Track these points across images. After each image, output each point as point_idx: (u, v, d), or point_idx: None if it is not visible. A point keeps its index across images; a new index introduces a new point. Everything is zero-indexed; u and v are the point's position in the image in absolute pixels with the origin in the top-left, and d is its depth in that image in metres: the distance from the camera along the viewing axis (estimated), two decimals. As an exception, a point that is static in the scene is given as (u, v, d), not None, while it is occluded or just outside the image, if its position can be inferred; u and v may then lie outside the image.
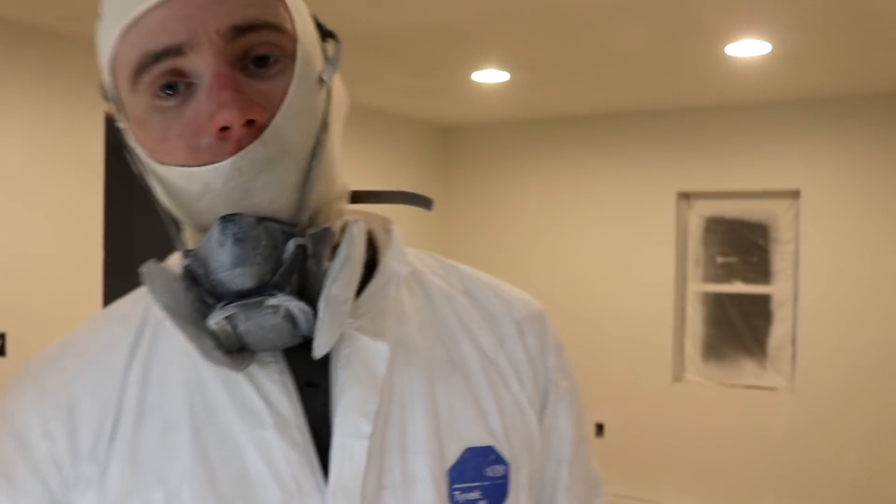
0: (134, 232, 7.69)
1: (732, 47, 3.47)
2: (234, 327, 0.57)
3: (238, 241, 0.56)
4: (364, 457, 0.61)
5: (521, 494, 0.69)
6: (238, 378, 0.62)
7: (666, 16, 3.10)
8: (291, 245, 0.57)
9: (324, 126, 0.61)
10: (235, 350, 0.59)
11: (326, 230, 0.59)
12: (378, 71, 4.00)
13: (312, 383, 0.64)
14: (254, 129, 0.57)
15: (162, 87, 0.58)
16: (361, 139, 4.92)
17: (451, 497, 0.65)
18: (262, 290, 0.56)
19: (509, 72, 4.07)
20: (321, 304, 0.57)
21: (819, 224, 4.51)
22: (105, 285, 3.61)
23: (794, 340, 4.66)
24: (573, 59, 3.79)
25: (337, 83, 0.66)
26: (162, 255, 0.76)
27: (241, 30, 0.57)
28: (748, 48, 3.48)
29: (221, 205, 0.58)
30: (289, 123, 0.58)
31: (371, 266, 0.69)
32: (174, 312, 0.57)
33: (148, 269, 0.59)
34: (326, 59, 0.65)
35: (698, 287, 5.01)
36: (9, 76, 3.23)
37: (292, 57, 0.60)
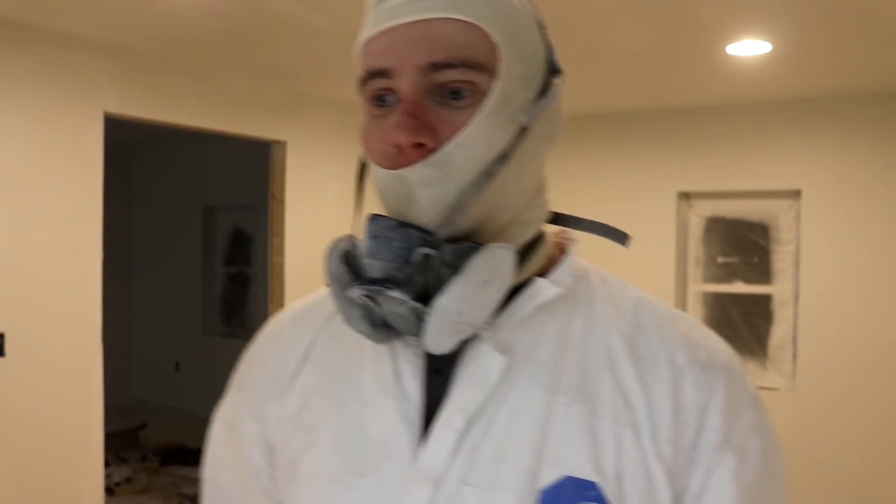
0: (133, 232, 7.69)
1: (733, 47, 3.47)
2: (378, 306, 0.68)
3: (374, 237, 0.66)
4: (449, 448, 0.68)
5: None
6: (384, 352, 0.74)
7: (666, 15, 3.10)
8: (418, 252, 0.65)
9: (502, 158, 0.67)
10: (381, 325, 0.70)
11: (470, 247, 0.66)
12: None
13: (440, 371, 0.72)
14: (425, 150, 0.66)
15: (375, 97, 0.69)
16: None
17: None
18: (386, 282, 0.66)
19: (509, 71, 4.06)
20: (430, 310, 0.65)
21: (820, 224, 4.50)
22: (104, 285, 3.60)
23: (794, 340, 4.66)
24: (573, 58, 3.78)
25: (550, 117, 0.72)
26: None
27: (438, 66, 0.65)
28: (749, 48, 3.47)
29: (392, 203, 0.69)
30: (459, 152, 0.66)
31: None
32: (334, 279, 0.70)
33: (334, 241, 0.72)
34: (543, 94, 0.71)
35: (699, 287, 5.01)
36: (9, 76, 3.23)
37: (487, 93, 0.67)
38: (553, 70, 0.73)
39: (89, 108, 3.51)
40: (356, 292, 0.68)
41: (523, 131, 0.69)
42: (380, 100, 0.69)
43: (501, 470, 0.67)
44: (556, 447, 0.67)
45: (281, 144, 4.53)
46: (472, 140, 0.66)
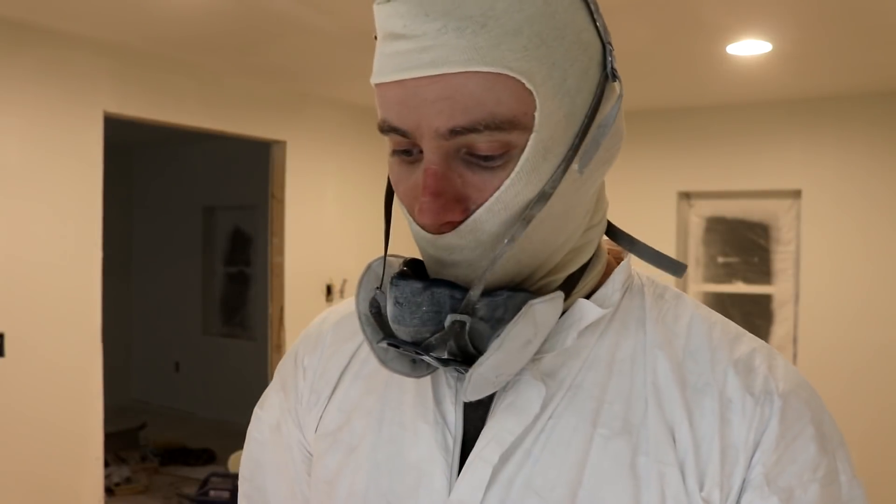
0: (133, 232, 7.69)
1: (733, 47, 3.47)
2: None
3: (397, 303, 0.61)
4: (485, 481, 0.63)
5: None
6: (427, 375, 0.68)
7: (667, 15, 3.10)
8: (449, 320, 0.59)
9: (541, 197, 0.59)
10: (420, 361, 0.65)
11: (507, 297, 0.60)
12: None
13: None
14: (454, 222, 0.60)
15: (398, 150, 0.62)
16: (366, 139, 4.92)
17: None
18: (418, 344, 0.61)
19: (510, 71, 4.06)
20: (466, 377, 0.59)
21: (820, 224, 4.50)
22: (104, 285, 3.60)
23: (795, 340, 4.66)
24: (574, 58, 3.79)
25: (607, 140, 0.62)
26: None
27: (459, 131, 0.57)
28: (749, 47, 3.47)
29: (426, 258, 0.64)
30: (491, 217, 0.59)
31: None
32: (367, 320, 0.66)
33: (367, 271, 0.67)
34: (593, 116, 0.60)
35: (699, 287, 5.01)
36: (8, 75, 3.23)
37: (524, 148, 0.58)
38: (610, 74, 0.62)
39: (89, 107, 3.51)
40: (382, 346, 0.64)
41: (568, 166, 0.60)
42: (405, 153, 0.62)
43: None
44: (594, 485, 0.61)
45: (281, 144, 4.53)
46: (503, 205, 0.59)
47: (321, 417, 0.76)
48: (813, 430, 0.63)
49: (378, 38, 0.60)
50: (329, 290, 4.78)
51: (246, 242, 7.11)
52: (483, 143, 0.57)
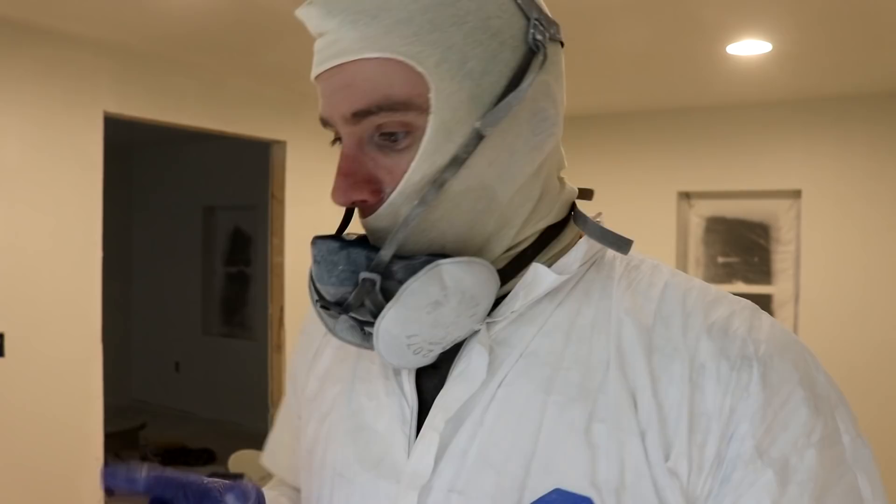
0: (133, 232, 7.69)
1: (733, 47, 3.47)
2: None
3: (315, 262, 0.65)
4: (434, 451, 0.63)
5: None
6: None
7: (666, 15, 3.10)
8: (360, 276, 0.62)
9: (454, 161, 0.61)
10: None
11: (424, 261, 0.61)
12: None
13: (436, 366, 0.67)
14: (370, 203, 0.64)
15: (335, 139, 0.68)
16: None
17: None
18: (339, 304, 0.63)
19: (510, 71, 4.06)
20: (374, 333, 0.62)
21: (820, 224, 4.50)
22: (104, 285, 3.60)
23: (794, 340, 4.66)
24: (573, 58, 3.78)
25: (528, 107, 0.63)
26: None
27: (360, 114, 0.62)
28: (749, 48, 3.47)
29: (369, 238, 0.67)
30: (405, 199, 0.62)
31: None
32: (312, 286, 0.68)
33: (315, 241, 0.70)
34: (511, 85, 0.62)
35: (699, 287, 5.01)
36: (8, 75, 3.23)
37: (425, 129, 0.61)
38: (533, 45, 0.64)
39: (89, 108, 3.51)
40: (314, 308, 0.67)
41: (480, 139, 0.61)
42: (339, 140, 0.67)
43: (486, 477, 0.61)
44: (547, 454, 0.60)
45: (281, 144, 4.53)
46: (416, 184, 0.61)
47: (305, 385, 0.81)
48: (803, 393, 0.59)
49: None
50: (329, 290, 4.78)
51: (246, 242, 7.11)
52: (385, 122, 0.61)
